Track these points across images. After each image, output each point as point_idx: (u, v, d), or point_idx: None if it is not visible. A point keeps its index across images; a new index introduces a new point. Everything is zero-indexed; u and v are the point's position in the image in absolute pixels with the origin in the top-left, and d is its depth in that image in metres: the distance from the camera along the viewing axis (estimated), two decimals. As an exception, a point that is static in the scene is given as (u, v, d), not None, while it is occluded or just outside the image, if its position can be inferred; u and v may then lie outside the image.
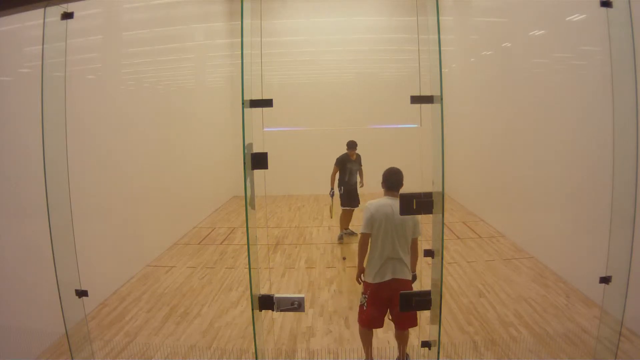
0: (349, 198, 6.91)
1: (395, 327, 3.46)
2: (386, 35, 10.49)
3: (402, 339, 3.49)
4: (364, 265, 3.44)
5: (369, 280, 3.34)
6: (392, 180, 3.42)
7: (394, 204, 3.27)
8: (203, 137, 8.75)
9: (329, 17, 10.59)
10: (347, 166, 6.80)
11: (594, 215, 4.31)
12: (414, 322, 3.37)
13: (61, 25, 2.54)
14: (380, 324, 3.41)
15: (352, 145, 6.79)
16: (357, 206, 6.97)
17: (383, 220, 3.27)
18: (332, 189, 6.89)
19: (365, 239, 3.35)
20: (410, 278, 3.36)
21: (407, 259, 3.33)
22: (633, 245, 2.66)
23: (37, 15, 2.48)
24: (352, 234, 7.04)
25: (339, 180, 6.91)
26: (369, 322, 3.41)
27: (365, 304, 3.38)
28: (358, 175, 6.97)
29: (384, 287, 3.27)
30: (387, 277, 3.27)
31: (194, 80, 8.89)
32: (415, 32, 2.76)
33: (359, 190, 7.05)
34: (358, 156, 6.91)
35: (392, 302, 3.28)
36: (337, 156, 6.86)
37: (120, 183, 5.37)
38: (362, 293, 3.43)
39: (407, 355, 3.57)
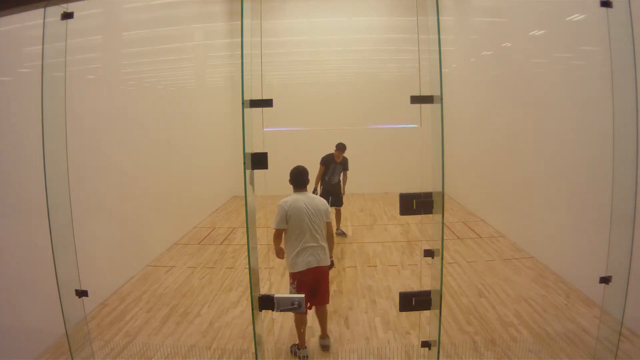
0: (327, 197, 6.76)
1: (314, 304, 3.84)
2: (386, 35, 10.49)
3: (321, 315, 3.87)
4: (288, 260, 3.76)
5: (295, 270, 3.68)
6: (298, 179, 3.81)
7: (305, 198, 3.73)
8: (203, 137, 8.74)
9: (329, 17, 10.58)
10: (331, 166, 6.90)
11: (594, 215, 4.31)
12: (327, 300, 3.87)
13: (61, 25, 2.53)
14: (307, 307, 3.74)
15: (341, 147, 6.84)
16: (340, 205, 7.14)
17: (298, 215, 3.66)
18: (315, 189, 6.91)
19: (277, 234, 3.76)
20: (329, 263, 3.81)
21: (326, 245, 3.77)
22: (633, 245, 2.66)
23: (37, 15, 2.48)
24: (343, 234, 7.23)
25: (321, 179, 6.99)
26: None
27: (295, 293, 3.66)
28: (340, 178, 7.08)
29: (309, 274, 3.66)
30: (312, 265, 3.66)
31: (194, 80, 8.88)
32: (415, 32, 2.77)
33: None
34: (344, 159, 6.98)
35: (314, 287, 3.73)
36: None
37: (120, 183, 5.36)
38: (290, 284, 3.74)
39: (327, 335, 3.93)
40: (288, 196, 3.78)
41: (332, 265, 3.99)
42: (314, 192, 6.84)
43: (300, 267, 3.65)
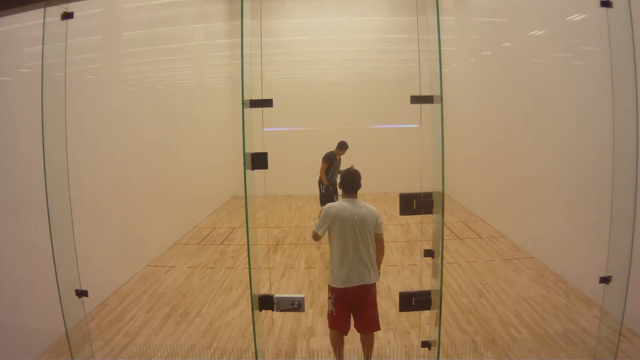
0: (329, 198, 6.80)
1: (357, 331, 3.43)
2: (386, 35, 10.49)
3: (366, 342, 3.43)
4: (330, 271, 3.41)
5: (334, 284, 3.31)
6: (348, 183, 3.40)
7: (352, 206, 3.29)
8: (203, 137, 8.75)
9: (329, 17, 10.59)
10: (334, 164, 6.82)
11: (594, 215, 4.31)
12: (376, 327, 3.39)
13: (61, 25, 2.54)
14: (346, 328, 3.39)
15: (343, 146, 6.79)
16: None
17: (342, 225, 3.24)
18: (327, 185, 6.80)
19: (315, 238, 3.36)
20: (375, 281, 3.34)
21: (371, 261, 3.29)
22: (633, 245, 2.66)
23: (37, 15, 2.49)
24: None
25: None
26: (335, 325, 3.39)
27: (333, 308, 3.36)
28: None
29: (349, 292, 3.26)
30: (353, 284, 3.24)
31: (194, 80, 8.89)
32: (415, 32, 2.77)
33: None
34: (340, 157, 6.94)
35: (356, 306, 3.33)
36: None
37: (120, 183, 5.37)
38: (328, 297, 3.40)
39: None
40: (335, 202, 3.44)
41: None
42: (324, 188, 6.80)
43: (340, 283, 3.26)
